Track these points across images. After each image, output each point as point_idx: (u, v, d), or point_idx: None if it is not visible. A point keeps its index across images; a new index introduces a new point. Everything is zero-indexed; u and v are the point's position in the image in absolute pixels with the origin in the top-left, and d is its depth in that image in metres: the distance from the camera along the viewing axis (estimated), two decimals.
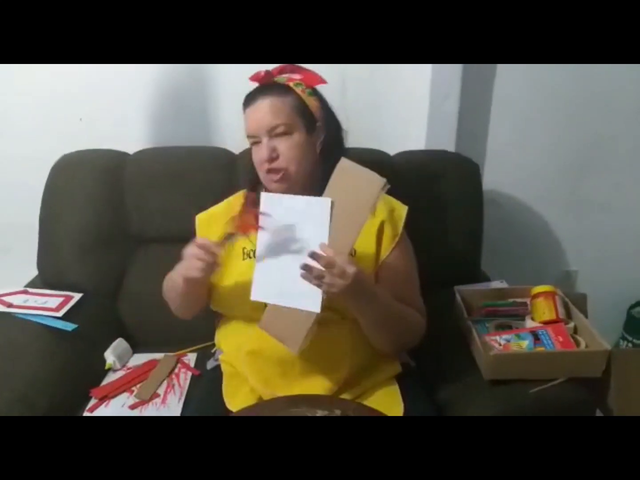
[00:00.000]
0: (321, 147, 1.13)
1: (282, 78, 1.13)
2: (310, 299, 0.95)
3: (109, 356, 1.31)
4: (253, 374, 1.11)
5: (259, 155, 1.09)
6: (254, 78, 1.13)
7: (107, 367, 1.30)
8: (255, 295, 0.99)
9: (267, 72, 1.13)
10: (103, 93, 1.62)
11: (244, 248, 1.15)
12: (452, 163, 1.57)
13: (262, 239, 0.98)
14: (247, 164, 1.20)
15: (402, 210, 1.17)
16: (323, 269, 0.91)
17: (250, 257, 1.14)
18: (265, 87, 1.11)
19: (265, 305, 1.08)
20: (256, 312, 1.10)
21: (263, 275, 0.98)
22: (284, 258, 0.96)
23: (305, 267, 0.92)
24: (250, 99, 1.11)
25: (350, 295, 0.96)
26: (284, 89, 1.11)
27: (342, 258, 0.92)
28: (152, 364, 1.34)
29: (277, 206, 0.97)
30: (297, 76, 1.14)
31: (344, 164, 0.95)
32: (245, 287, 1.11)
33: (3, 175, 1.69)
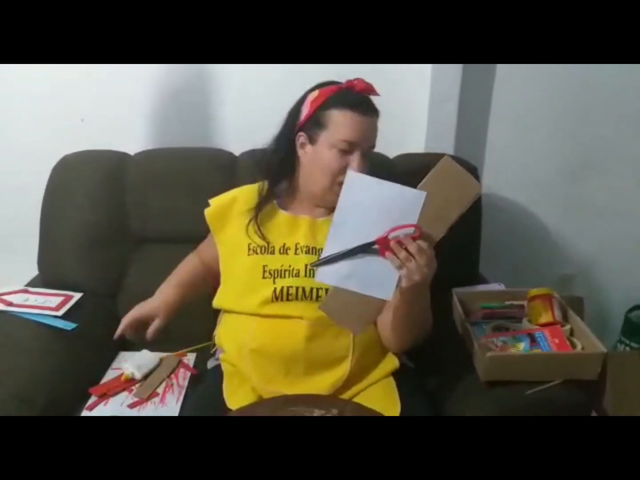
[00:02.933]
0: None
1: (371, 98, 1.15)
2: (383, 287, 0.95)
3: (128, 367, 1.27)
4: (256, 372, 1.11)
5: (343, 163, 1.10)
6: (362, 86, 1.12)
7: (124, 378, 1.26)
8: (321, 277, 0.98)
9: (366, 84, 1.13)
10: (105, 94, 1.63)
11: (249, 244, 1.16)
12: None
13: (338, 218, 0.95)
14: (278, 158, 1.19)
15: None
16: (410, 255, 0.92)
17: (256, 253, 1.15)
18: (372, 103, 1.13)
19: (273, 299, 1.10)
20: (262, 308, 1.11)
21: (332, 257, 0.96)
22: (359, 241, 0.94)
23: (396, 247, 0.92)
24: (362, 108, 1.10)
25: (420, 287, 0.96)
26: (378, 113, 1.14)
27: (430, 250, 0.93)
28: None
29: (362, 188, 0.94)
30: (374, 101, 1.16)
31: (448, 162, 0.94)
32: (250, 283, 1.13)
33: (5, 175, 1.71)
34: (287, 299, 1.11)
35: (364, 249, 0.94)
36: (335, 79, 1.14)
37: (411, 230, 0.92)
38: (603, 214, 1.87)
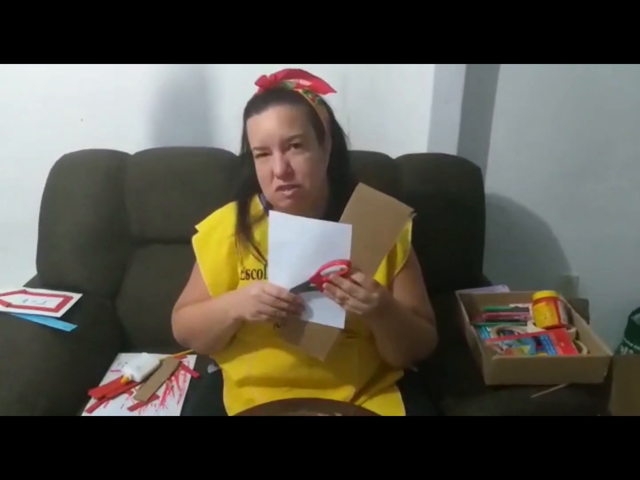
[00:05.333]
0: (329, 160, 1.05)
1: (290, 84, 1.03)
2: (333, 317, 0.95)
3: (128, 369, 1.28)
4: (259, 393, 1.09)
5: (268, 169, 0.99)
6: (260, 82, 1.03)
7: (124, 380, 1.27)
8: None
9: (274, 76, 1.02)
10: (104, 93, 1.62)
11: (243, 268, 1.09)
12: (454, 166, 1.57)
13: (272, 257, 0.95)
14: (243, 175, 1.10)
15: (408, 223, 1.10)
16: (346, 293, 0.90)
17: (252, 277, 1.08)
18: (274, 93, 1.01)
19: (275, 326, 1.06)
20: (262, 337, 1.07)
21: None
22: (299, 279, 0.93)
23: (330, 287, 0.90)
24: (257, 106, 0.99)
25: (373, 316, 0.95)
26: (296, 96, 1.00)
27: (367, 283, 0.90)
28: None
29: (287, 227, 0.91)
30: (305, 82, 1.04)
31: (364, 190, 0.91)
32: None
33: (4, 175, 1.69)
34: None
35: (304, 288, 0.93)
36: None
37: (342, 266, 0.90)
38: (606, 215, 1.86)
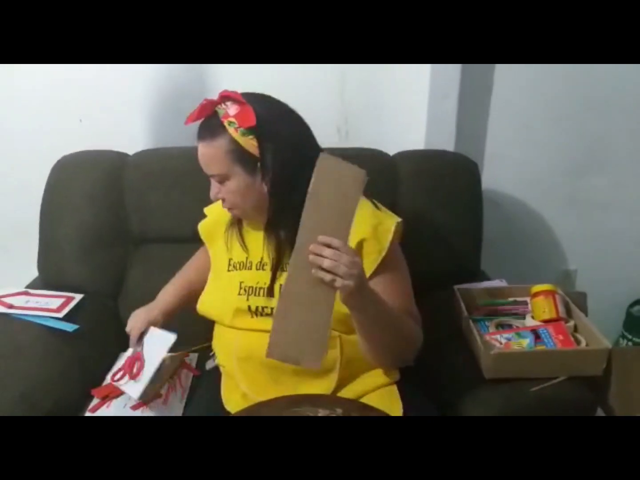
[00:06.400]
0: (270, 183, 1.04)
1: (222, 110, 1.02)
2: (133, 387, 1.13)
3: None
4: (245, 380, 1.11)
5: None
6: (191, 117, 1.04)
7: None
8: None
9: (207, 103, 1.03)
10: (103, 94, 1.62)
11: (230, 259, 1.16)
12: (452, 163, 1.57)
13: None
14: None
15: (390, 223, 1.09)
16: (332, 260, 0.85)
17: (235, 269, 1.14)
18: (204, 125, 1.04)
19: (252, 315, 1.11)
20: (242, 322, 1.11)
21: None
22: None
23: (315, 261, 0.85)
24: (198, 134, 1.05)
25: (358, 291, 0.89)
26: (218, 130, 1.02)
27: (345, 247, 0.87)
28: None
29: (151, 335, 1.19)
30: (233, 111, 1.01)
31: (326, 159, 0.90)
32: (225, 298, 1.13)
33: (4, 176, 1.70)
34: (264, 315, 1.09)
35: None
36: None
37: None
38: (604, 208, 1.87)
